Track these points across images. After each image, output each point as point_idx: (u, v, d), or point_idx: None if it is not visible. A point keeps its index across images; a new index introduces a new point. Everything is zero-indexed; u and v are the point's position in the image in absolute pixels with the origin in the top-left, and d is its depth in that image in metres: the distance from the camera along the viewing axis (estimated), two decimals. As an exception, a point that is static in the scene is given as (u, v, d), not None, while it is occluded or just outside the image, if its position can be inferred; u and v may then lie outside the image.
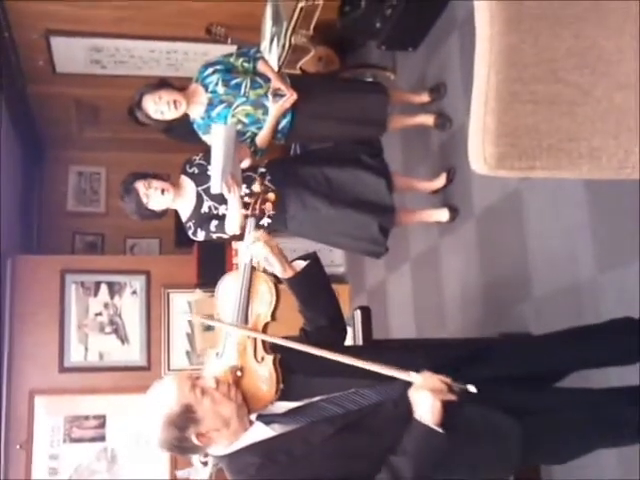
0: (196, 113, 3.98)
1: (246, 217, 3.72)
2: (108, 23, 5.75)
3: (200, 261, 6.05)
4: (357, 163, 4.13)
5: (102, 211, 7.69)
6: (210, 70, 3.99)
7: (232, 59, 4.05)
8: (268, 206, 2.55)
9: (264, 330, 2.31)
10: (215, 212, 3.84)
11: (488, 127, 1.65)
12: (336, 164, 4.13)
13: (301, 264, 2.35)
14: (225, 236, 3.90)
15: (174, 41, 6.10)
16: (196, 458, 5.76)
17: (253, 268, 2.37)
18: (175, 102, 3.86)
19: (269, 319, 2.32)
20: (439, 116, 4.54)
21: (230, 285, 2.39)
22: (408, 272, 5.17)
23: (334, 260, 6.21)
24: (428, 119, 4.59)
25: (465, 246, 4.30)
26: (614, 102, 1.70)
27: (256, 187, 2.57)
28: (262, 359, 2.20)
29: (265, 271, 2.40)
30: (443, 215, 4.41)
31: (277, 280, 2.37)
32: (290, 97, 3.94)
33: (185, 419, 2.03)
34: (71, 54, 6.11)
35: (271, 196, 2.56)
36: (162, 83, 3.93)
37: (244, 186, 3.77)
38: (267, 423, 2.10)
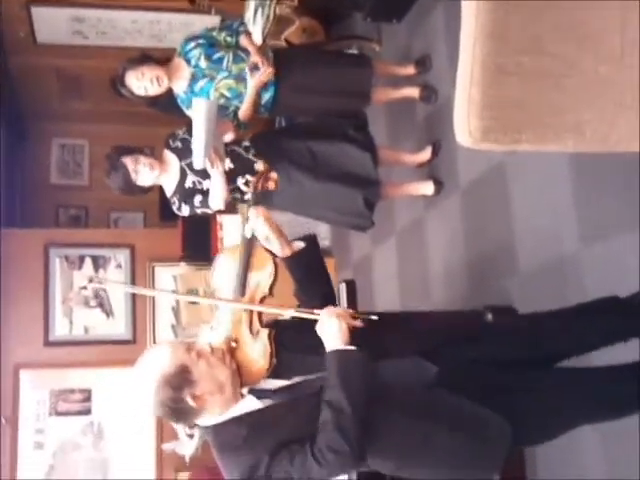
0: (179, 88, 3.96)
1: (231, 191, 3.73)
2: (90, -7, 5.70)
3: (185, 235, 6.05)
4: (342, 136, 4.12)
5: (86, 184, 7.66)
6: (192, 44, 3.96)
7: (215, 33, 4.02)
8: (270, 184, 2.59)
9: (260, 304, 2.35)
10: (199, 187, 3.83)
11: (473, 99, 1.64)
12: (321, 137, 4.12)
13: (300, 245, 2.38)
14: (209, 211, 3.89)
15: (157, 12, 6.06)
16: (182, 431, 5.81)
17: (253, 242, 2.40)
18: (158, 78, 3.85)
19: (267, 293, 2.36)
20: (424, 89, 4.52)
21: (229, 258, 2.42)
22: (393, 245, 5.18)
23: (319, 234, 6.19)
24: (413, 92, 4.56)
25: (450, 219, 4.30)
26: (599, 75, 1.70)
27: (260, 166, 2.60)
28: (257, 332, 2.23)
29: (264, 249, 2.43)
30: (428, 188, 4.40)
31: (275, 258, 2.41)
32: (265, 71, 3.90)
33: (181, 379, 2.04)
34: (53, 24, 6.05)
35: (274, 175, 2.60)
36: (144, 58, 3.89)
37: (228, 160, 3.76)
38: (259, 397, 2.12)
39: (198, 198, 3.81)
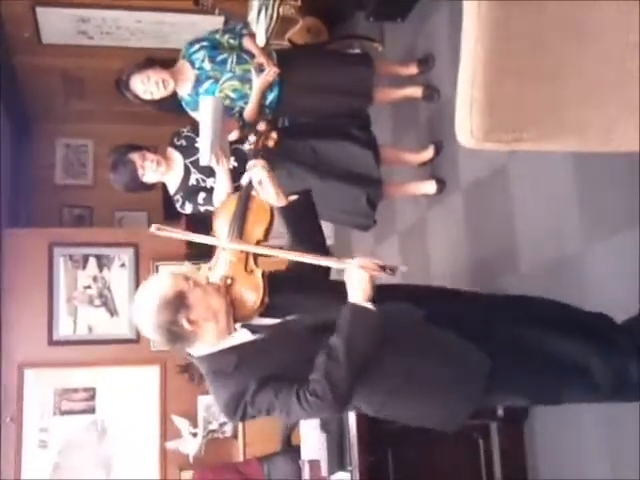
0: (184, 90, 3.98)
1: (235, 189, 3.77)
2: (94, -7, 5.71)
3: (189, 234, 6.04)
4: (345, 135, 4.13)
5: (90, 184, 7.67)
6: (196, 47, 3.99)
7: (218, 35, 4.05)
8: (270, 142, 2.73)
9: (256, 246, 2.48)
10: (203, 185, 3.85)
11: (475, 100, 1.65)
12: (323, 136, 4.14)
13: (295, 197, 2.51)
14: (213, 209, 3.90)
15: (162, 12, 6.06)
16: (186, 430, 5.84)
17: (250, 189, 2.54)
18: (164, 81, 3.87)
19: (262, 237, 2.51)
20: (427, 88, 4.53)
21: (229, 204, 2.59)
22: (395, 244, 5.18)
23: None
24: (416, 91, 4.58)
25: (452, 219, 4.31)
26: (601, 75, 1.71)
27: (261, 126, 2.71)
28: (251, 271, 2.38)
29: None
30: (430, 188, 4.41)
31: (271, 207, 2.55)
32: (271, 70, 3.92)
33: (178, 303, 2.17)
34: (57, 25, 6.06)
35: (274, 135, 2.74)
36: (148, 62, 3.91)
37: (232, 159, 3.78)
38: (252, 331, 2.23)
39: (202, 196, 3.83)
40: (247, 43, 4.06)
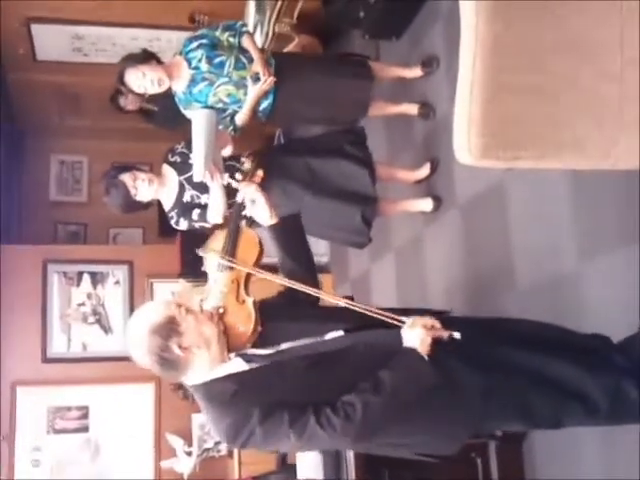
0: (178, 87, 3.94)
1: (230, 206, 3.76)
2: (89, 10, 5.72)
3: (183, 251, 6.03)
4: (340, 153, 4.11)
5: (84, 200, 7.65)
6: (195, 44, 3.94)
7: (218, 33, 3.98)
8: (257, 179, 2.70)
9: (247, 277, 2.49)
10: (197, 201, 3.83)
11: (473, 117, 1.64)
12: (319, 153, 4.11)
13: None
14: (207, 225, 3.88)
15: (157, 29, 6.08)
16: (180, 449, 5.79)
17: (241, 209, 2.58)
18: (159, 80, 3.85)
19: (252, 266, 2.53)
20: (423, 106, 4.52)
21: (218, 239, 2.58)
22: (392, 262, 5.17)
23: (318, 250, 6.20)
24: (412, 108, 4.56)
25: (449, 236, 4.29)
26: (598, 92, 1.70)
27: (247, 165, 2.71)
28: (243, 301, 2.40)
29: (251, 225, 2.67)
30: (426, 205, 4.39)
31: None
32: (267, 80, 3.91)
33: (168, 329, 2.15)
34: (52, 42, 6.08)
35: (260, 173, 2.71)
36: (145, 57, 3.89)
37: (226, 175, 3.76)
38: (246, 361, 2.20)
39: (196, 212, 3.81)
40: (246, 42, 4.00)
